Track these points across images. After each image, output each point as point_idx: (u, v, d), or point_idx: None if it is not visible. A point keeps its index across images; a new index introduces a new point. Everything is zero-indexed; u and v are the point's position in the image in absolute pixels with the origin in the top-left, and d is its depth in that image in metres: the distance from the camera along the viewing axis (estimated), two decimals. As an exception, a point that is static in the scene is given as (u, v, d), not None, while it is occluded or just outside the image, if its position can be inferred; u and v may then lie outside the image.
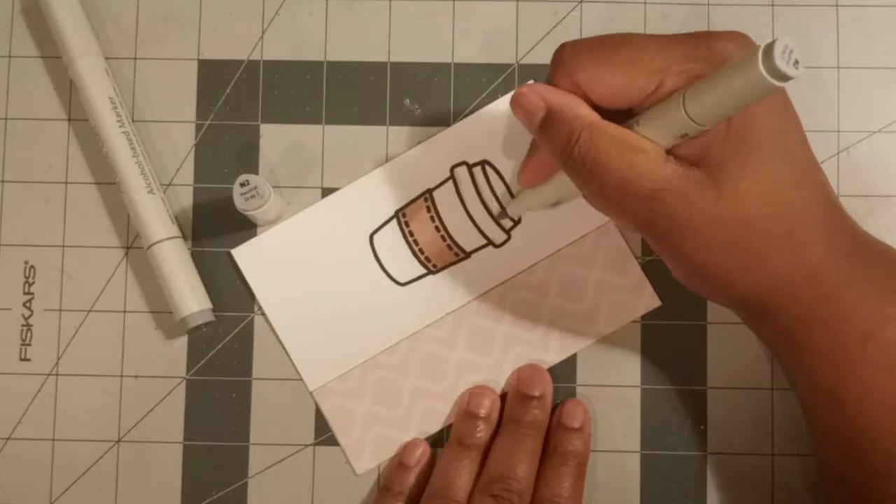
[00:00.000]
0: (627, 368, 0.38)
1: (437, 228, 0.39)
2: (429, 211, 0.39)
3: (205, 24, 0.40)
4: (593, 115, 0.30)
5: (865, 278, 0.30)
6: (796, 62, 0.24)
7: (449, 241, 0.39)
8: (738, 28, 0.39)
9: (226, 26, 0.40)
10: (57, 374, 0.39)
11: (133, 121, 0.40)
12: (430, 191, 0.39)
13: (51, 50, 0.40)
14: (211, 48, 0.40)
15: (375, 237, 0.39)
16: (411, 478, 0.37)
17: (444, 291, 0.38)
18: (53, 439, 0.39)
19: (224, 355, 0.39)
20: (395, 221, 0.39)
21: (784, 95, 0.30)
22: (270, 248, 0.39)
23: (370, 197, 0.39)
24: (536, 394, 0.37)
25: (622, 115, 0.31)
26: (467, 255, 0.39)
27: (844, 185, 0.39)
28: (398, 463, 0.38)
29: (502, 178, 0.39)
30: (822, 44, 0.39)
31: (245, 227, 0.39)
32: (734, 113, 0.27)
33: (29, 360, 0.39)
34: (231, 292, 0.39)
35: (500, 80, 0.39)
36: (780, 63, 0.23)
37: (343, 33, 0.40)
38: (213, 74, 0.40)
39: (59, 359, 0.39)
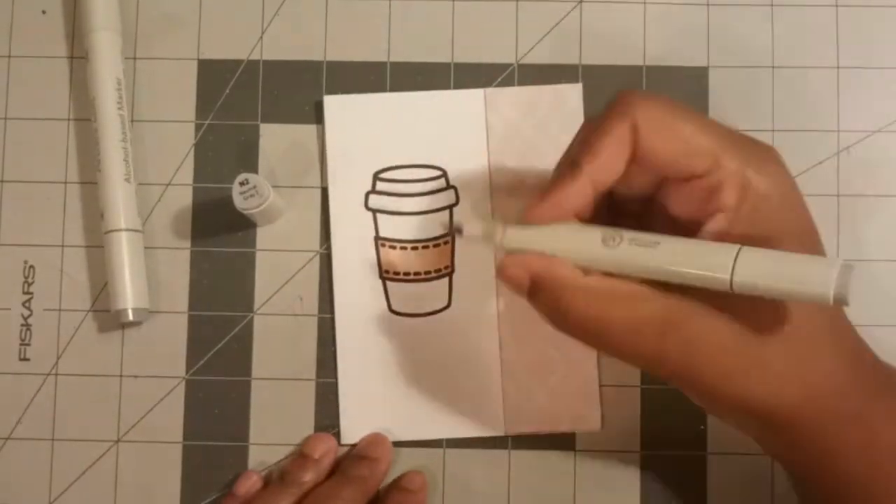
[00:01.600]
0: (628, 368, 0.38)
1: (402, 248, 0.39)
2: (393, 247, 0.39)
3: (204, 24, 0.40)
4: (575, 276, 0.29)
5: (892, 397, 0.29)
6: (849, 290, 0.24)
7: (416, 244, 0.39)
8: (738, 28, 0.39)
9: (226, 26, 0.40)
10: (56, 374, 0.39)
11: (133, 120, 0.40)
12: (377, 237, 0.39)
13: (51, 50, 0.40)
14: (211, 48, 0.40)
15: (393, 310, 0.39)
16: None
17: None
18: (53, 439, 0.39)
19: (223, 355, 0.39)
20: (381, 283, 0.39)
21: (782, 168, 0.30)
22: None
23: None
24: (370, 455, 0.37)
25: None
26: (440, 240, 0.39)
27: (844, 185, 0.39)
28: (229, 493, 0.37)
29: (385, 179, 0.39)
30: (821, 44, 0.39)
31: (245, 227, 0.39)
32: (774, 297, 0.26)
33: (28, 359, 0.39)
34: (230, 292, 0.39)
35: (500, 79, 0.39)
36: (848, 293, 0.24)
37: (343, 33, 0.40)
38: (212, 74, 0.40)
39: (58, 359, 0.39)
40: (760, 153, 0.29)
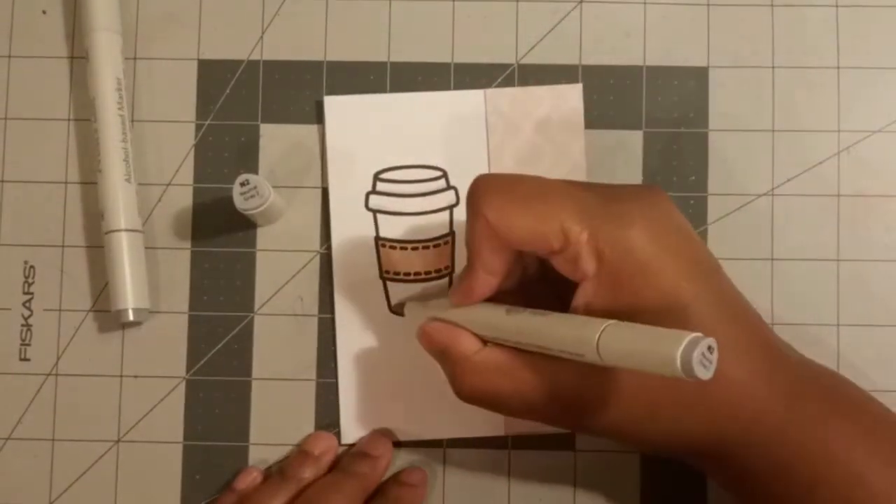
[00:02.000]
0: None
1: (402, 248, 0.39)
2: (394, 248, 0.39)
3: (205, 24, 0.40)
4: (472, 351, 0.31)
5: (806, 419, 0.29)
6: (709, 363, 0.24)
7: (416, 244, 0.39)
8: (738, 29, 0.39)
9: (226, 26, 0.40)
10: (56, 374, 0.39)
11: (133, 120, 0.40)
12: (377, 238, 0.39)
13: (51, 50, 0.40)
14: (211, 48, 0.40)
15: (394, 309, 0.39)
16: (235, 499, 0.37)
17: None
18: (53, 439, 0.39)
19: (223, 355, 0.39)
20: (381, 283, 0.39)
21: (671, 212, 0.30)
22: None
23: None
24: (371, 453, 0.37)
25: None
26: (440, 240, 0.39)
27: (844, 185, 0.39)
28: (229, 487, 0.37)
29: (388, 179, 0.39)
30: (822, 44, 0.39)
31: (245, 227, 0.39)
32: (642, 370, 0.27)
33: (28, 360, 0.39)
34: (230, 292, 0.39)
35: (500, 79, 0.39)
36: (697, 367, 0.24)
37: (343, 33, 0.40)
38: (213, 74, 0.40)
39: (58, 359, 0.39)
40: (618, 214, 0.29)
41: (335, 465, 0.38)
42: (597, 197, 0.30)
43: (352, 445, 0.38)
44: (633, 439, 0.31)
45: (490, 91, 0.39)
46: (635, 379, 0.29)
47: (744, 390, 0.29)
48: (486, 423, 0.38)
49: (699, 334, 0.24)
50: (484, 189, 0.30)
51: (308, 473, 0.37)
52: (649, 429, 0.30)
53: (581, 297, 0.29)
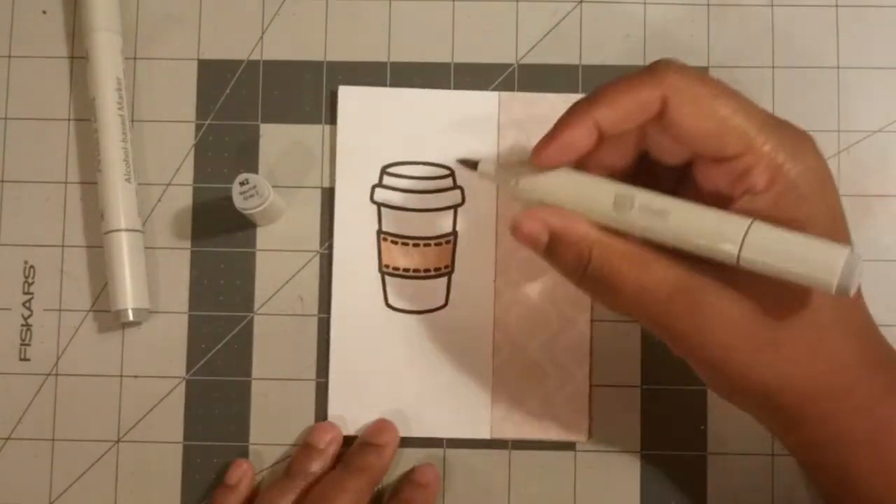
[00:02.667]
0: (628, 368, 0.38)
1: (404, 243, 0.39)
2: (395, 243, 0.39)
3: (205, 24, 0.40)
4: (597, 232, 0.30)
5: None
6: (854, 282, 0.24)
7: (417, 241, 0.39)
8: (738, 28, 0.39)
9: (226, 26, 0.40)
10: (56, 374, 0.39)
11: (133, 120, 0.40)
12: (379, 231, 0.39)
13: (51, 50, 0.40)
14: (211, 48, 0.40)
15: (390, 303, 0.39)
16: (233, 499, 0.37)
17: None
18: (53, 439, 0.39)
19: (223, 355, 0.39)
20: (380, 277, 0.39)
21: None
22: None
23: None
24: (377, 442, 0.37)
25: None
26: (442, 239, 0.39)
27: (844, 185, 0.39)
28: (222, 483, 0.37)
29: (398, 175, 0.39)
30: (822, 44, 0.39)
31: (245, 227, 0.39)
32: (778, 276, 0.26)
33: (28, 360, 0.39)
34: (230, 292, 0.39)
35: (500, 79, 0.39)
36: (852, 284, 0.23)
37: (343, 33, 0.40)
38: (213, 74, 0.40)
39: (58, 359, 0.39)
40: (795, 138, 0.29)
41: (340, 458, 0.37)
42: (770, 115, 0.29)
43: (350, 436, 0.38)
44: (722, 368, 0.29)
45: (505, 94, 0.39)
46: (754, 310, 0.28)
47: (848, 363, 0.29)
48: (472, 425, 0.38)
49: (856, 251, 0.23)
50: (676, 69, 0.29)
51: (315, 467, 0.36)
52: (743, 366, 0.28)
53: (738, 211, 0.28)
